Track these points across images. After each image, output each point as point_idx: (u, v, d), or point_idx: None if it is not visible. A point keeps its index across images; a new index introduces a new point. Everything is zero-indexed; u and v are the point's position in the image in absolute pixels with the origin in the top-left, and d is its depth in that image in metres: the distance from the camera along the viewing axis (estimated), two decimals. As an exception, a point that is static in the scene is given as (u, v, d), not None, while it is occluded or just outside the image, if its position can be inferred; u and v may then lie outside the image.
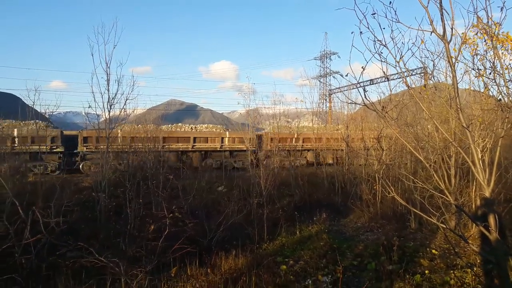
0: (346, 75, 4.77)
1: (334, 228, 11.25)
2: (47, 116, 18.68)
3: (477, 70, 5.00)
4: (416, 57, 4.96)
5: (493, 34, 4.50)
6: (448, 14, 4.22)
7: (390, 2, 4.30)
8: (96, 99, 10.90)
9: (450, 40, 4.33)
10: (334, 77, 63.92)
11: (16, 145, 18.39)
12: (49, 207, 7.66)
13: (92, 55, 10.70)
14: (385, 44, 4.47)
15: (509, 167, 9.25)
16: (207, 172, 16.22)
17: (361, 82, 5.12)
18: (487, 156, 5.45)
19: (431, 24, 4.27)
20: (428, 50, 5.22)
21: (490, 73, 4.87)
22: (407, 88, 5.11)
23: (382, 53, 4.53)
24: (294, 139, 25.42)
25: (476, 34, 4.75)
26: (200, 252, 7.80)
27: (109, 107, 11.05)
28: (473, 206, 9.12)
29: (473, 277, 6.71)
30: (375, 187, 12.47)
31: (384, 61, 4.61)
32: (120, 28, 10.88)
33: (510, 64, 4.76)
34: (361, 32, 4.37)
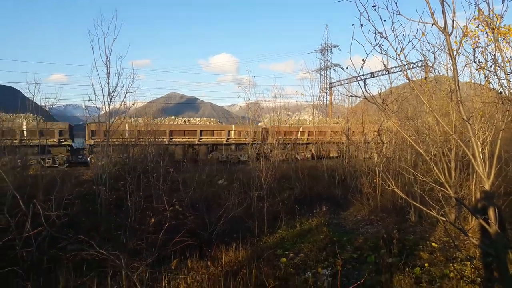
0: (347, 68, 4.74)
1: (334, 221, 11.28)
2: (47, 109, 18.65)
3: (478, 63, 4.98)
4: (417, 50, 4.92)
5: (494, 27, 4.47)
6: (449, 6, 4.20)
7: (391, -6, 4.26)
8: (96, 92, 10.88)
9: (451, 33, 4.30)
10: (334, 70, 63.83)
11: (24, 138, 18.52)
12: (49, 200, 7.67)
13: (92, 47, 10.67)
14: (386, 36, 4.44)
15: (510, 160, 9.24)
16: (208, 165, 16.22)
17: (362, 75, 5.11)
18: (487, 149, 5.44)
19: (432, 16, 4.24)
20: (429, 43, 5.21)
21: (491, 66, 4.84)
22: (407, 81, 5.09)
23: (382, 45, 4.51)
24: (299, 132, 25.51)
25: (478, 26, 4.72)
26: (201, 245, 7.83)
27: (109, 100, 11.02)
28: (473, 199, 9.13)
29: (473, 270, 6.73)
30: (375, 180, 12.49)
31: (384, 54, 4.58)
32: (119, 20, 10.82)
33: (511, 56, 4.73)
34: (361, 25, 4.34)
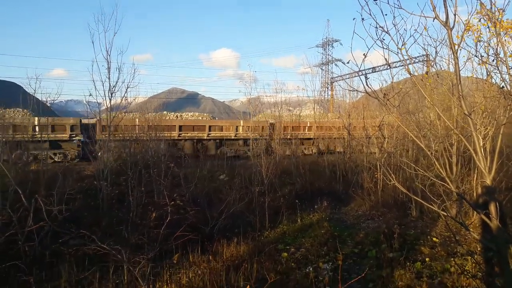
0: (348, 62, 4.72)
1: (335, 216, 11.30)
2: (48, 105, 18.68)
3: (480, 57, 4.95)
4: (419, 44, 4.90)
5: (496, 21, 4.45)
6: (451, 0, 4.16)
7: (393, -12, 4.24)
8: (97, 87, 10.85)
9: (453, 27, 4.27)
10: (336, 65, 63.78)
11: (36, 133, 18.66)
12: (51, 195, 7.70)
13: (92, 42, 10.63)
14: (387, 30, 4.41)
15: (511, 155, 9.23)
16: (209, 160, 16.24)
17: (363, 69, 5.07)
18: (488, 144, 5.44)
19: (433, 10, 4.21)
20: (430, 37, 5.17)
21: (493, 60, 4.82)
22: (409, 75, 5.06)
23: (384, 39, 4.48)
24: (306, 127, 25.54)
25: (480, 20, 4.69)
26: (202, 239, 7.85)
27: (110, 95, 11.00)
28: (474, 194, 9.14)
29: (474, 264, 6.75)
30: (376, 175, 12.48)
31: (386, 48, 4.55)
32: (120, 15, 10.79)
33: (513, 51, 4.70)
34: (363, 19, 4.31)
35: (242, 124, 24.38)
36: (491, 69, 5.10)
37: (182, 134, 22.90)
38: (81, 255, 6.75)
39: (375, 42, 4.46)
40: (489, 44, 4.88)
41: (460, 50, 4.55)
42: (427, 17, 4.36)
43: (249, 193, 10.79)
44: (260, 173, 11.13)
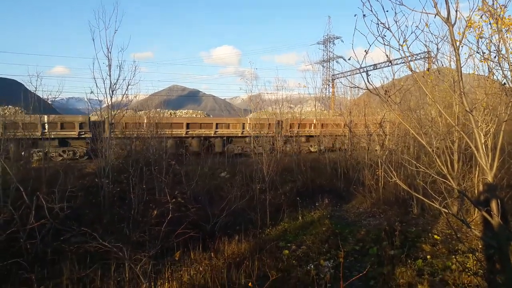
0: (349, 59, 4.70)
1: (336, 214, 11.30)
2: (49, 102, 18.75)
3: (481, 54, 4.93)
4: (420, 41, 4.87)
5: (498, 17, 4.43)
6: (453, -4, 4.15)
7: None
8: (98, 84, 10.82)
9: (455, 23, 4.26)
10: (337, 62, 63.63)
11: (46, 130, 18.89)
12: (53, 193, 7.69)
13: (93, 40, 10.61)
14: (389, 27, 4.40)
15: (513, 152, 9.22)
16: (210, 158, 16.24)
17: (364, 66, 5.05)
18: (490, 141, 5.41)
19: (435, 7, 4.20)
20: (432, 34, 5.15)
21: (494, 57, 4.80)
22: (410, 72, 5.05)
23: (385, 36, 4.47)
24: (313, 125, 25.56)
25: (481, 17, 4.67)
26: (203, 237, 7.86)
27: (111, 92, 10.98)
28: (476, 191, 9.11)
29: (475, 262, 6.74)
30: (377, 172, 12.47)
31: (387, 45, 4.54)
32: (120, 12, 10.76)
33: (515, 47, 4.68)
34: (364, 15, 4.30)
35: (249, 122, 24.40)
36: (493, 66, 5.07)
37: (190, 132, 22.97)
38: (83, 252, 6.76)
39: (376, 38, 4.46)
40: (491, 41, 4.85)
41: (462, 46, 4.54)
42: (429, 13, 4.36)
43: (250, 191, 10.79)
44: (261, 170, 11.12)
